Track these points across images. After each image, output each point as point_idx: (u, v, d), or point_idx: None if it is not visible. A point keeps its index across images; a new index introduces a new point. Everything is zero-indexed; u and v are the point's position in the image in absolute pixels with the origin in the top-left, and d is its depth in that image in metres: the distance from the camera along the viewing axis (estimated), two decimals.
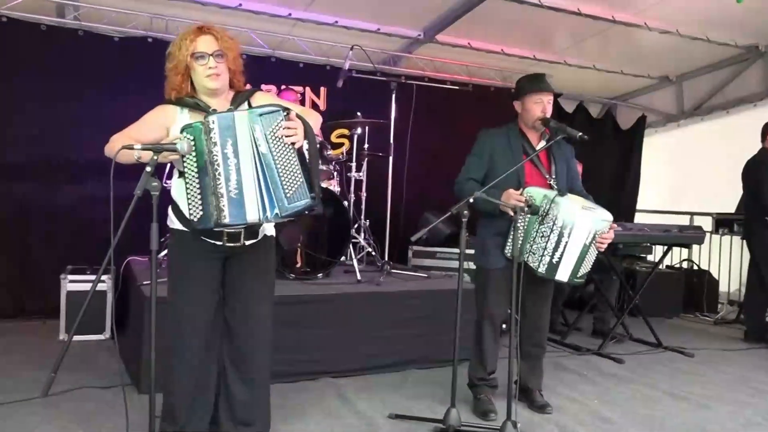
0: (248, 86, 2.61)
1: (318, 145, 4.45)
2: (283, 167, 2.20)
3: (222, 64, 2.36)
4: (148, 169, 2.12)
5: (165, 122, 2.37)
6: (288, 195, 2.20)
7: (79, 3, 5.01)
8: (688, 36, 5.65)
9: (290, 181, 2.20)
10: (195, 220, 2.21)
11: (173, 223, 2.42)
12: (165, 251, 3.49)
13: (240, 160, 2.17)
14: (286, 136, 2.19)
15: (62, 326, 4.28)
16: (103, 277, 4.36)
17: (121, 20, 5.15)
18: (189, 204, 2.21)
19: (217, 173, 2.16)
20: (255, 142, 2.19)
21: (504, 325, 3.48)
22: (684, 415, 3.32)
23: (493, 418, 3.09)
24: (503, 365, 3.34)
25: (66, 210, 5.07)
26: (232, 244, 2.38)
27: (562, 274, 2.99)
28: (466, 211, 2.79)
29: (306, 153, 2.26)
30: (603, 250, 3.02)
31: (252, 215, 2.19)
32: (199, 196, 2.19)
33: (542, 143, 3.17)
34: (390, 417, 3.07)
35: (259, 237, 2.48)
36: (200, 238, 2.36)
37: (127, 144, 2.11)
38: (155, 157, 2.14)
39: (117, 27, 5.18)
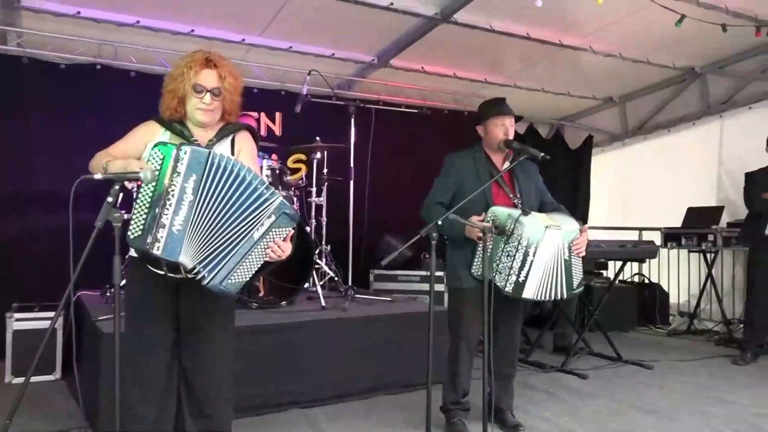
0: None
1: (278, 171, 4.42)
2: (250, 257, 2.14)
3: (217, 102, 2.32)
4: (110, 199, 2.03)
5: (146, 138, 2.31)
6: (230, 279, 2.13)
7: (22, 29, 4.83)
8: (630, 59, 5.89)
9: (242, 271, 2.14)
10: (131, 237, 2.12)
11: (132, 250, 2.33)
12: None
13: (199, 201, 2.09)
14: (270, 247, 2.14)
15: (8, 368, 4.02)
16: (53, 315, 4.14)
17: (67, 47, 4.97)
18: (132, 220, 2.11)
19: (168, 203, 2.08)
20: (245, 214, 2.10)
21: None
22: (654, 428, 3.36)
23: None
24: (474, 387, 3.34)
25: (8, 244, 4.80)
26: (173, 275, 2.27)
27: (529, 293, 3.02)
28: (435, 234, 2.78)
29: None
30: (584, 254, 3.09)
31: (186, 258, 2.11)
32: (144, 216, 2.10)
33: (507, 164, 3.21)
34: None
35: None
36: (146, 266, 2.27)
37: (90, 172, 2.05)
38: (116, 187, 2.06)
39: (63, 54, 5.00)
